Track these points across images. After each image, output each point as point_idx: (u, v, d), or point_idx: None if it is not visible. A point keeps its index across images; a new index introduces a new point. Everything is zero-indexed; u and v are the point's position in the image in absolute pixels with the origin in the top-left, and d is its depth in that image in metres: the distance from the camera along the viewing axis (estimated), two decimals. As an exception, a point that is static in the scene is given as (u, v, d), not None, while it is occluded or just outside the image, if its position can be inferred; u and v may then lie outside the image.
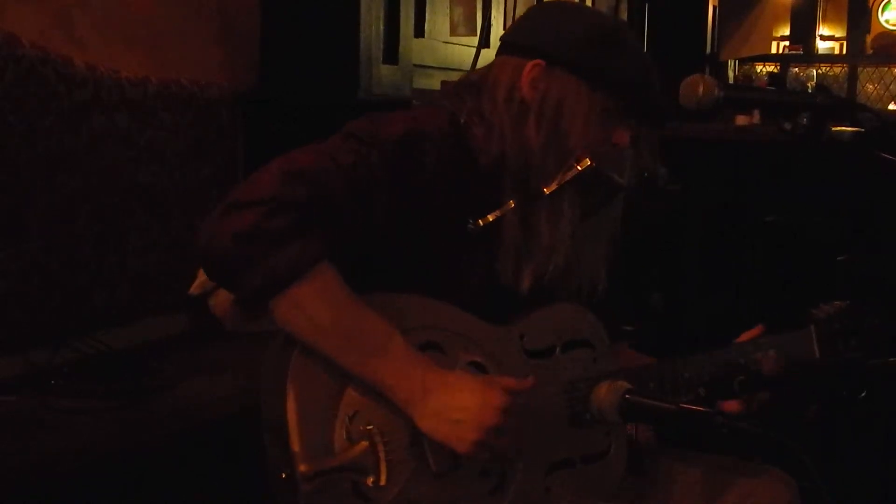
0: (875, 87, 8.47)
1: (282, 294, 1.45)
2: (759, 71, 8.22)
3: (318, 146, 1.56)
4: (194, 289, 2.46)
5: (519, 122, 1.64)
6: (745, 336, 1.83)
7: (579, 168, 1.62)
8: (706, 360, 1.78)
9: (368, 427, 1.48)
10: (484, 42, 3.74)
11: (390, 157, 1.55)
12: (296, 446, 1.44)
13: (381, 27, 3.21)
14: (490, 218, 1.62)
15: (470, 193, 1.62)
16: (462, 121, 1.65)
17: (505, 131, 1.63)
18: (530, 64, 1.65)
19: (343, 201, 1.50)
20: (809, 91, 6.72)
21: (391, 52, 3.25)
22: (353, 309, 1.49)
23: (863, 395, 1.80)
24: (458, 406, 1.49)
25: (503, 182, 1.63)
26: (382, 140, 1.55)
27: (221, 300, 2.43)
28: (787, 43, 10.09)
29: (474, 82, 1.71)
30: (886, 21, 10.47)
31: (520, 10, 4.34)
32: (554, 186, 1.62)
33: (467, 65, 3.61)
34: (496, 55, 1.74)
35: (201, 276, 2.48)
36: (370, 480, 1.47)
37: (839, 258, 3.28)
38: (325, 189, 1.49)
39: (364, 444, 1.47)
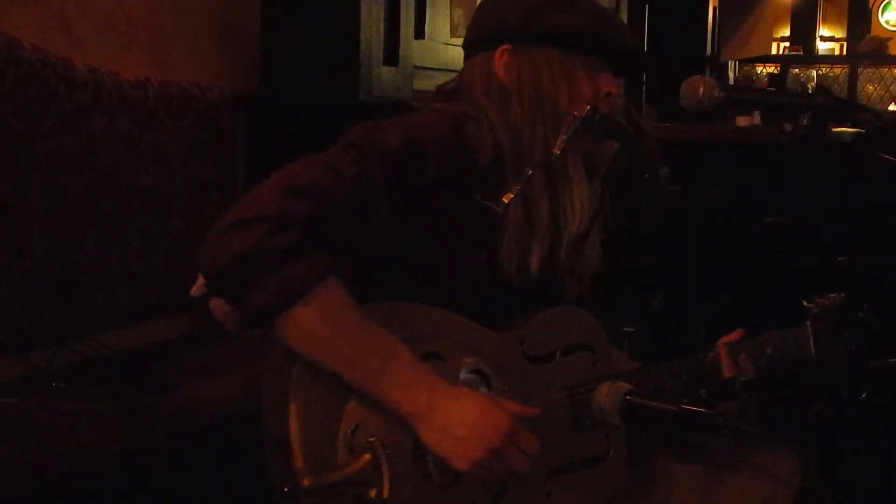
0: (875, 88, 8.47)
1: (286, 311, 1.44)
2: (759, 72, 8.22)
3: (318, 158, 1.54)
4: (195, 290, 2.46)
5: (503, 107, 1.66)
6: (724, 339, 1.83)
7: (581, 115, 1.62)
8: (703, 362, 1.79)
9: (371, 439, 1.48)
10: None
11: (391, 166, 1.54)
12: (298, 461, 1.44)
13: (382, 29, 3.21)
14: (512, 195, 1.61)
15: (473, 193, 1.62)
16: (457, 121, 1.65)
17: (493, 121, 1.64)
18: (498, 52, 1.68)
19: (345, 214, 1.49)
20: (810, 92, 6.72)
21: (391, 53, 3.25)
22: (357, 324, 1.48)
23: (863, 395, 1.80)
24: (462, 423, 1.48)
25: (505, 173, 1.64)
26: (383, 149, 1.54)
27: (222, 302, 2.43)
28: (787, 44, 10.11)
29: (450, 91, 1.73)
30: (887, 22, 10.48)
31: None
32: (561, 143, 1.61)
33: (467, 66, 3.61)
34: (463, 63, 1.77)
35: (202, 279, 2.48)
36: (373, 493, 1.47)
37: (839, 258, 3.28)
38: (328, 203, 1.48)
39: (367, 456, 1.47)
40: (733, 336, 1.83)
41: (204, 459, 2.15)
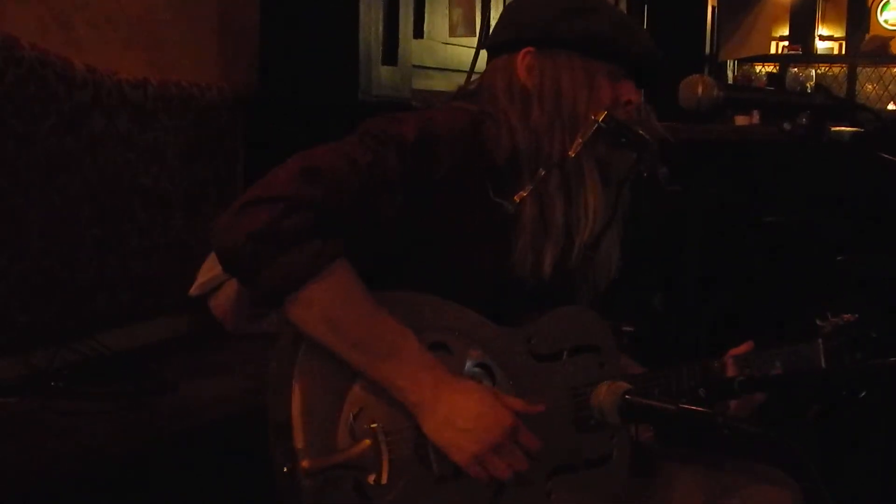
0: (874, 87, 8.47)
1: (296, 292, 1.45)
2: (758, 71, 8.22)
3: (335, 145, 1.56)
4: (194, 290, 2.46)
5: (524, 109, 1.66)
6: (734, 351, 1.82)
7: (598, 120, 1.62)
8: (710, 370, 1.78)
9: (373, 425, 1.48)
10: (483, 43, 3.73)
11: (406, 157, 1.56)
12: (299, 442, 1.44)
13: (381, 28, 3.21)
14: (524, 193, 1.62)
15: (487, 190, 1.63)
16: (475, 119, 1.66)
17: (513, 123, 1.65)
18: (521, 54, 1.69)
19: (359, 201, 1.51)
20: (809, 91, 6.71)
21: (390, 53, 3.25)
22: (367, 309, 1.49)
23: (862, 394, 1.80)
24: (466, 416, 1.49)
25: (522, 174, 1.64)
26: (398, 140, 1.56)
27: (221, 301, 2.43)
28: (786, 43, 10.11)
29: (471, 92, 1.74)
30: (885, 21, 10.48)
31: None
32: (577, 146, 1.62)
33: (466, 65, 3.61)
34: (486, 65, 1.77)
35: (201, 278, 2.48)
36: (371, 478, 1.47)
37: (839, 258, 3.28)
38: (342, 188, 1.49)
39: (367, 441, 1.47)
40: (743, 348, 1.82)
41: (204, 459, 2.15)
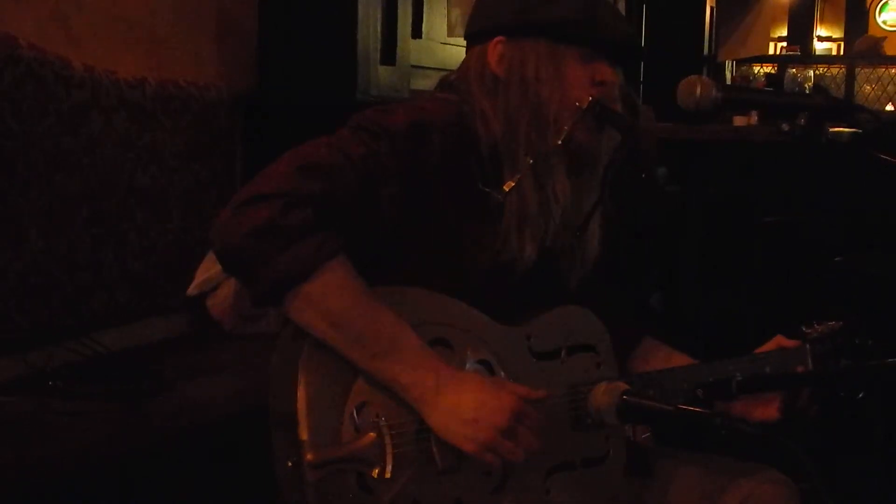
0: (872, 88, 8.48)
1: (296, 289, 1.45)
2: (756, 72, 8.24)
3: (328, 140, 1.57)
4: (192, 289, 2.46)
5: (493, 97, 1.67)
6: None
7: (583, 108, 1.64)
8: (705, 370, 1.79)
9: (377, 419, 1.48)
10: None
11: (399, 147, 1.56)
12: (304, 435, 1.44)
13: (379, 28, 3.21)
14: (512, 183, 1.63)
15: (476, 180, 1.64)
16: (460, 109, 1.68)
17: (486, 110, 1.66)
18: (492, 43, 1.70)
19: (355, 194, 1.52)
20: (807, 92, 6.72)
21: (389, 53, 3.26)
22: (366, 305, 1.49)
23: (861, 395, 1.80)
24: (470, 406, 1.49)
25: (502, 163, 1.65)
26: (391, 131, 1.57)
27: (220, 301, 2.43)
28: (784, 44, 10.12)
29: (451, 82, 1.75)
30: (884, 22, 10.50)
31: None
32: (564, 134, 1.63)
33: (465, 66, 3.61)
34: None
35: (199, 278, 2.48)
36: (375, 472, 1.47)
37: (838, 258, 3.28)
38: (339, 182, 1.50)
39: (371, 435, 1.47)
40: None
41: (202, 459, 2.15)
